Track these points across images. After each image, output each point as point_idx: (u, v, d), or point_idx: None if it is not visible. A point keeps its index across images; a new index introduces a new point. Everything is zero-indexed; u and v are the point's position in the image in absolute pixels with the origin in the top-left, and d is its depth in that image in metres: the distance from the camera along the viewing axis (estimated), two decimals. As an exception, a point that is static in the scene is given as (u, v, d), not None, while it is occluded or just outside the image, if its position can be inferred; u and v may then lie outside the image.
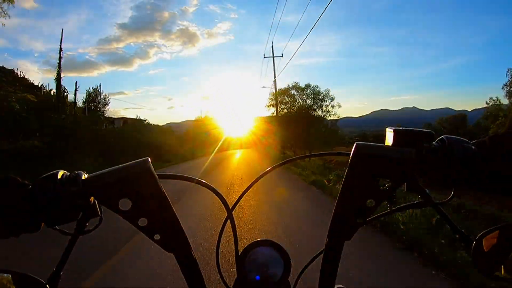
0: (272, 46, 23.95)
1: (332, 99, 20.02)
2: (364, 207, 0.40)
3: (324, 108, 20.17)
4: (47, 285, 0.38)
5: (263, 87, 33.30)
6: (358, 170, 0.39)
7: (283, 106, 21.22)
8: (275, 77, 22.97)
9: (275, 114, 21.34)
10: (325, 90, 20.11)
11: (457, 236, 0.41)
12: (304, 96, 20.37)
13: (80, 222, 0.39)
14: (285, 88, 21.27)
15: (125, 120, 33.57)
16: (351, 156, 0.40)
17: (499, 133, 0.40)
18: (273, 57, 23.44)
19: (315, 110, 20.22)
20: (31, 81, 23.16)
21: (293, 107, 20.68)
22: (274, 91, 22.01)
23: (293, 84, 20.85)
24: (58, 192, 0.36)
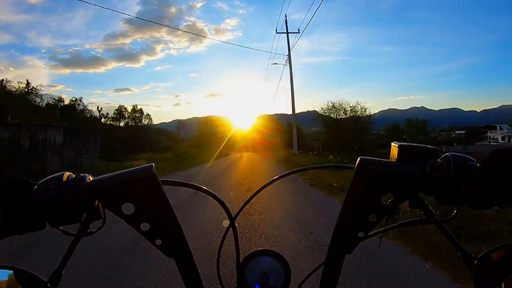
0: (286, 21, 22.55)
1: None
2: (366, 221, 0.40)
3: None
4: (48, 284, 0.38)
5: (274, 63, 27.62)
6: (362, 185, 0.39)
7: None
8: (289, 51, 22.49)
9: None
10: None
11: (459, 254, 0.41)
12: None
13: (83, 223, 0.39)
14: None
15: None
16: (355, 170, 0.39)
17: (503, 148, 0.40)
18: (287, 33, 22.57)
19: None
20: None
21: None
22: (288, 67, 21.54)
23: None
24: (62, 193, 0.37)
